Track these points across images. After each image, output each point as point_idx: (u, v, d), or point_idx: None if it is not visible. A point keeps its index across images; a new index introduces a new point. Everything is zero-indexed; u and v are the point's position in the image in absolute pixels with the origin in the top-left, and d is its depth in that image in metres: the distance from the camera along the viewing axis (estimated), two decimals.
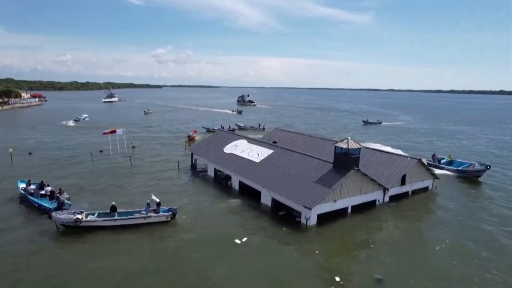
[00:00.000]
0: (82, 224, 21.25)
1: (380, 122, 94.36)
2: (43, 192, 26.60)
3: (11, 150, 41.16)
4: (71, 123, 79.99)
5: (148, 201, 23.51)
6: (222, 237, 21.19)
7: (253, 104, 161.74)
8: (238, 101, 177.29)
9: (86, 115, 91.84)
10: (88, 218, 21.95)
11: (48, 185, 27.48)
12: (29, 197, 26.07)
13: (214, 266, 17.76)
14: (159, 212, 22.97)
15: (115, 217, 22.16)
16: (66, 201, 24.74)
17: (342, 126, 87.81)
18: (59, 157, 42.84)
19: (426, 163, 36.92)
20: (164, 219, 22.75)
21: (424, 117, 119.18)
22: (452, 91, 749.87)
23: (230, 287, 16.17)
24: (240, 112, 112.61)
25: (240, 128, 70.98)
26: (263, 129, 71.79)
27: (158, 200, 23.49)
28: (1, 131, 63.88)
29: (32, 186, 27.40)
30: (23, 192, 27.06)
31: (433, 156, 42.39)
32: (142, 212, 22.87)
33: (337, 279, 16.81)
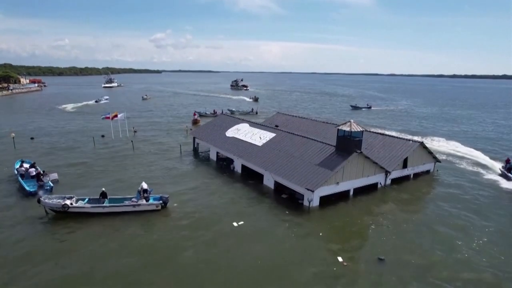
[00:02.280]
0: (70, 210, 20.90)
1: (370, 107, 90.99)
2: (34, 173, 27.12)
3: (13, 134, 41.23)
4: (69, 108, 79.97)
5: (139, 188, 22.98)
6: (221, 220, 21.25)
7: (246, 88, 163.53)
8: (231, 85, 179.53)
9: (107, 97, 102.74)
10: (78, 204, 21.58)
11: (34, 167, 27.90)
12: (19, 178, 26.90)
13: (212, 250, 17.85)
14: (148, 200, 22.36)
15: (104, 204, 21.75)
16: (49, 183, 25.49)
17: (329, 111, 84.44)
18: (61, 141, 42.95)
19: (500, 171, 32.03)
20: (154, 207, 22.08)
21: (421, 102, 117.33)
22: (454, 76, 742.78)
23: (232, 270, 16.23)
24: (256, 100, 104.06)
25: (232, 113, 69.62)
26: (256, 113, 71.28)
27: (145, 187, 22.71)
28: (2, 117, 63.76)
29: (25, 166, 28.33)
30: (16, 172, 27.93)
31: (507, 161, 32.36)
32: (133, 199, 22.34)
33: (340, 259, 17.10)
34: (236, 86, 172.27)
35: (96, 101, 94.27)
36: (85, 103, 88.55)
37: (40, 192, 23.76)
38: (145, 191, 22.58)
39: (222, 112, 66.19)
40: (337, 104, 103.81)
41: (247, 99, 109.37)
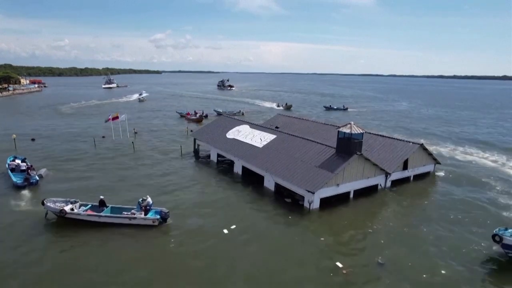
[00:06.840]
0: (67, 216, 20.87)
1: (346, 108, 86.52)
2: (24, 168, 28.80)
3: (14, 136, 41.30)
4: (70, 108, 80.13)
5: (139, 200, 22.12)
6: (220, 224, 21.10)
7: (230, 88, 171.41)
8: (218, 85, 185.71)
9: (145, 91, 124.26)
10: (76, 210, 21.52)
11: (24, 162, 30.04)
12: (8, 171, 28.90)
13: (209, 256, 17.69)
14: (147, 213, 21.42)
15: (100, 214, 21.55)
16: (35, 177, 27.02)
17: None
18: (61, 142, 43.06)
19: None
20: (150, 223, 20.88)
21: (417, 102, 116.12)
22: (454, 76, 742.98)
23: (229, 275, 16.06)
24: (289, 108, 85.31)
25: (219, 114, 66.45)
26: (243, 114, 70.25)
27: (146, 201, 21.83)
28: (3, 118, 63.81)
29: (17, 161, 30.00)
30: (6, 166, 29.71)
31: None
32: (133, 211, 21.64)
33: (340, 265, 16.95)
34: (222, 86, 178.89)
35: (140, 94, 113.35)
36: (64, 108, 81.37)
37: (25, 184, 26.07)
38: (146, 206, 21.69)
39: (203, 113, 66.09)
40: (316, 105, 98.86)
41: (275, 107, 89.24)
